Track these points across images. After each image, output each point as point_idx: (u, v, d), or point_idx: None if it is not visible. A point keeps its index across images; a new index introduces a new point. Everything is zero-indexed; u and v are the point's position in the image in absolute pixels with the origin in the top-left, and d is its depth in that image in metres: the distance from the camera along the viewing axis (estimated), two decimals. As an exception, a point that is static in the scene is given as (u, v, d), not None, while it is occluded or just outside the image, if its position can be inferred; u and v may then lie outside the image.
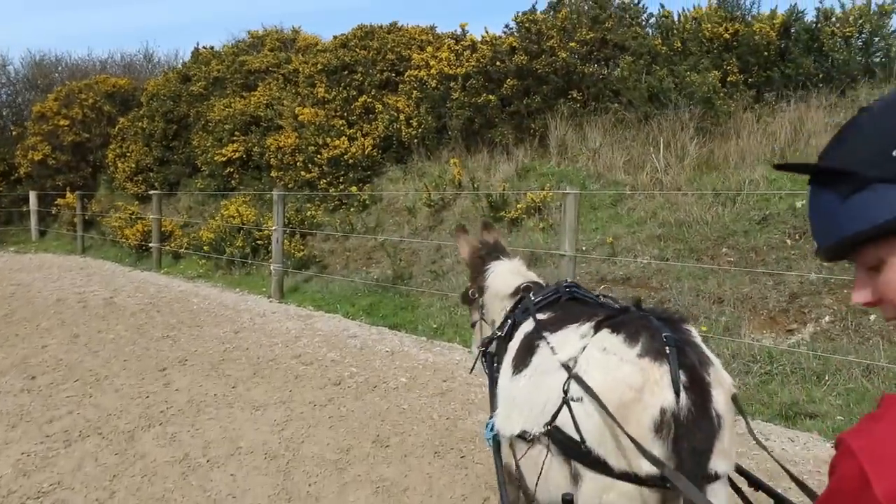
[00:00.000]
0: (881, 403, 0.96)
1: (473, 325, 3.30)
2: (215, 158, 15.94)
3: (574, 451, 1.93)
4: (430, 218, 11.05)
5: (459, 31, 14.29)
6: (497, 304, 2.99)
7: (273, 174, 14.80)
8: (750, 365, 5.46)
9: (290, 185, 14.29)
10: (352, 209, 12.66)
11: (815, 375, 5.12)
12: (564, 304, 2.58)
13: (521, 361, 2.31)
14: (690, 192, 7.95)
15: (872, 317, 5.42)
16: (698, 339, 2.02)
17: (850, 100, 8.37)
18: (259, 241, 12.36)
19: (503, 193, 9.94)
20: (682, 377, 1.81)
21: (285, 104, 15.36)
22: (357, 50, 15.01)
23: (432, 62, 13.55)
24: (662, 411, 1.79)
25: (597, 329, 2.04)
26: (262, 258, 12.27)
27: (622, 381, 1.85)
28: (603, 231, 8.30)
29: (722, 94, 9.08)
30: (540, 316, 2.45)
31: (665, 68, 10.13)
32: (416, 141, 13.00)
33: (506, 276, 3.05)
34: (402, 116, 13.18)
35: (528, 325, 2.48)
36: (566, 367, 2.01)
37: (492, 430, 2.45)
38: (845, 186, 0.96)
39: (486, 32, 13.15)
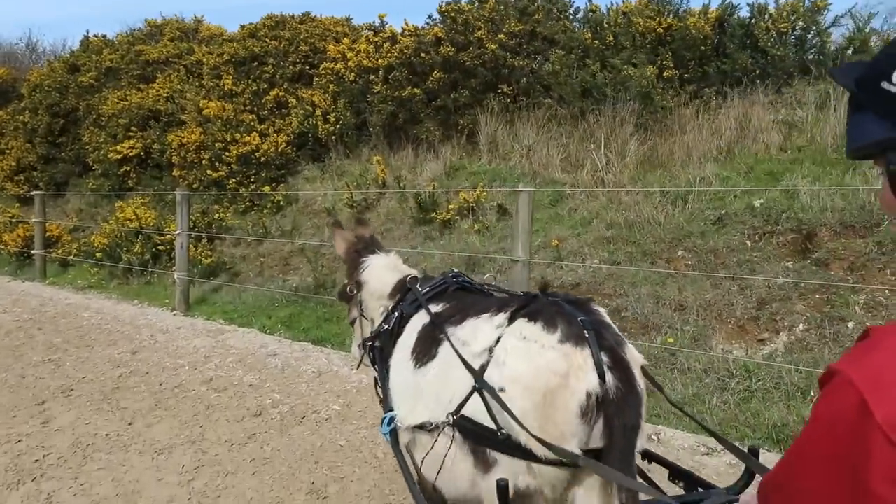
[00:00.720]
0: (870, 335, 0.98)
1: (352, 323, 3.18)
2: (109, 156, 14.45)
3: (490, 439, 1.92)
4: (353, 220, 10.15)
5: (378, 22, 13.49)
6: (375, 301, 2.92)
7: (175, 173, 13.51)
8: (726, 381, 4.92)
9: (194, 185, 13.05)
10: (265, 211, 11.60)
11: (798, 391, 4.63)
12: (455, 294, 2.57)
13: (425, 353, 2.27)
14: (636, 191, 7.45)
15: (850, 324, 5.00)
16: (609, 320, 2.07)
17: (788, 97, 8.10)
18: (160, 247, 11.12)
19: (433, 193, 9.19)
20: (605, 358, 1.85)
21: (188, 97, 14.08)
22: (267, 40, 13.91)
23: (349, 54, 12.66)
24: (588, 395, 1.81)
25: (512, 318, 2.02)
26: (165, 265, 11.04)
27: (547, 368, 1.84)
28: (545, 233, 7.69)
29: (659, 90, 8.65)
30: (434, 307, 2.43)
31: (597, 62, 9.65)
32: (333, 138, 12.07)
33: (383, 272, 2.97)
34: (318, 111, 12.22)
35: (423, 318, 2.44)
36: (485, 354, 1.99)
37: (389, 424, 2.37)
38: (856, 105, 1.08)
39: (407, 24, 12.41)
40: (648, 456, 2.26)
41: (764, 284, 5.55)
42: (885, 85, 1.00)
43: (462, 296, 2.57)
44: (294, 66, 13.56)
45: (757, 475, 1.85)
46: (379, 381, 2.71)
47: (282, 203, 11.58)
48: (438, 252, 8.17)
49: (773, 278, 5.55)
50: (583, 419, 1.82)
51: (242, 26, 15.15)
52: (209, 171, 12.43)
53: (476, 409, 1.96)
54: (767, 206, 6.20)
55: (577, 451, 1.81)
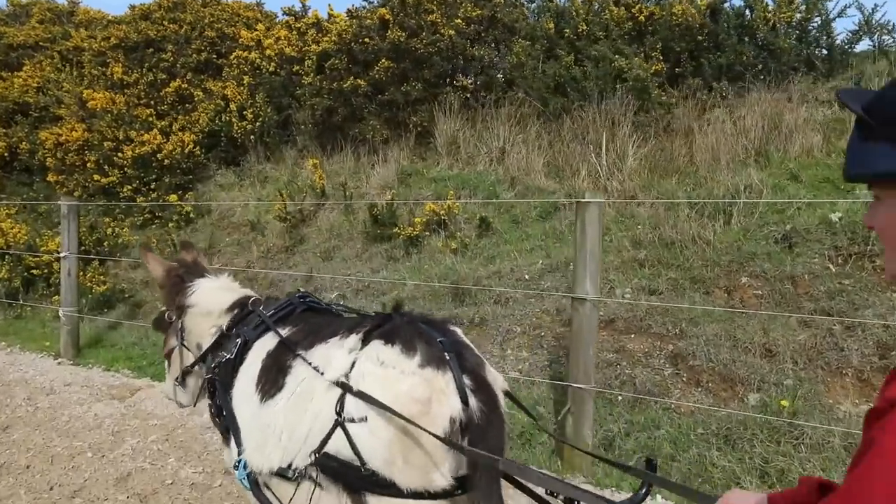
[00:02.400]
0: None
1: (168, 355, 2.78)
2: (-36, 157, 11.70)
3: (353, 476, 1.74)
4: (286, 236, 8.28)
5: (299, 6, 11.63)
6: (205, 323, 2.57)
7: (51, 178, 11.01)
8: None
9: (76, 193, 10.64)
10: (170, 224, 9.44)
11: None
12: (303, 316, 2.34)
13: (272, 384, 2.03)
14: (659, 201, 6.10)
15: None
16: (467, 340, 1.98)
17: (829, 89, 7.02)
18: (36, 271, 8.70)
19: (391, 204, 7.48)
20: (468, 381, 1.78)
21: (66, 88, 11.59)
22: (165, 23, 11.67)
23: (267, 41, 10.73)
24: (452, 420, 1.73)
25: (366, 340, 1.88)
26: (42, 295, 8.66)
27: (407, 395, 1.72)
28: (547, 253, 6.19)
29: (655, 84, 7.39)
30: (282, 331, 2.19)
31: (571, 54, 8.30)
32: (252, 137, 10.08)
33: (215, 292, 2.65)
34: (232, 106, 10.18)
35: (267, 343, 2.21)
36: (340, 384, 1.80)
37: (245, 467, 2.05)
38: (869, 133, 1.08)
39: (332, 10, 10.64)
40: (507, 479, 1.98)
41: (876, 321, 4.30)
42: None
43: (308, 318, 2.33)
44: (198, 55, 11.40)
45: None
46: (219, 416, 2.34)
47: (192, 215, 9.47)
48: (411, 279, 6.48)
49: (890, 315, 4.30)
50: (447, 447, 1.71)
51: (132, 7, 12.78)
52: (96, 177, 10.08)
53: (338, 446, 1.77)
54: (849, 220, 4.99)
55: (447, 483, 1.73)
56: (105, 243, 8.97)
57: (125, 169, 9.96)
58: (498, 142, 8.01)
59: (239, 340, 2.31)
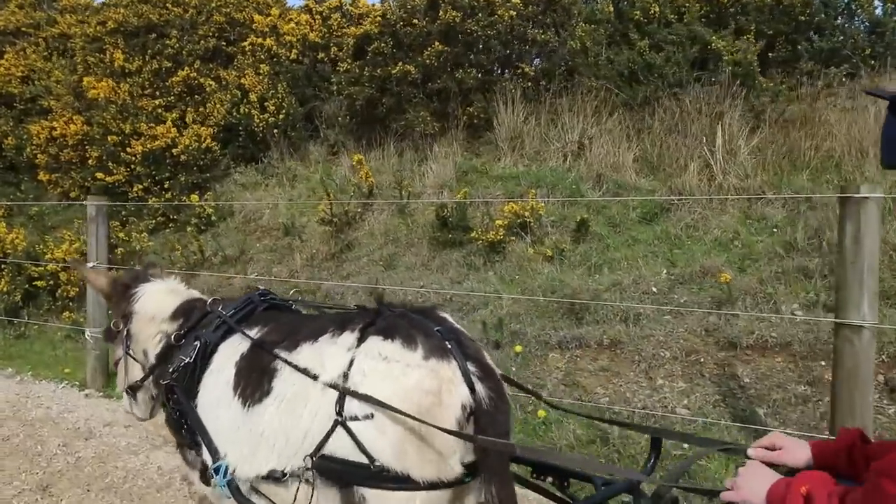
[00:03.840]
0: None
1: (116, 364, 2.66)
2: (-60, 153, 10.29)
3: (361, 475, 1.68)
4: (331, 241, 7.18)
5: (318, -11, 10.49)
6: (152, 328, 2.44)
7: (42, 177, 9.71)
8: None
9: (73, 194, 9.38)
10: (189, 228, 8.25)
11: None
12: (267, 315, 2.23)
13: (256, 389, 1.91)
14: (800, 197, 5.21)
15: None
16: (459, 326, 1.93)
17: None
18: (39, 283, 7.39)
19: (462, 205, 6.46)
20: (473, 368, 1.75)
21: (58, 76, 10.26)
22: (168, 6, 10.41)
23: (285, 27, 9.62)
24: (463, 408, 1.70)
25: (363, 337, 1.80)
26: (48, 310, 7.40)
27: (416, 388, 1.68)
28: (670, 261, 5.24)
29: (758, 69, 6.51)
30: (251, 333, 2.09)
31: (644, 38, 7.38)
32: (275, 131, 8.94)
33: (160, 295, 2.52)
34: (252, 97, 9.03)
35: (237, 345, 2.10)
36: (334, 386, 1.73)
37: (226, 474, 1.92)
38: None
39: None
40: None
41: None
42: None
43: (276, 316, 2.20)
44: (206, 41, 10.18)
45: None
46: (182, 424, 2.16)
47: (213, 218, 8.29)
48: (505, 291, 5.47)
49: None
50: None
51: (130, -11, 11.46)
52: (99, 175, 8.82)
53: (340, 446, 1.71)
54: None
55: (460, 470, 1.71)
56: (118, 250, 7.73)
57: (132, 166, 8.73)
58: (573, 134, 7.03)
59: (198, 343, 2.17)
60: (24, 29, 11.98)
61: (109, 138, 8.77)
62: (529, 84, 7.66)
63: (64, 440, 4.48)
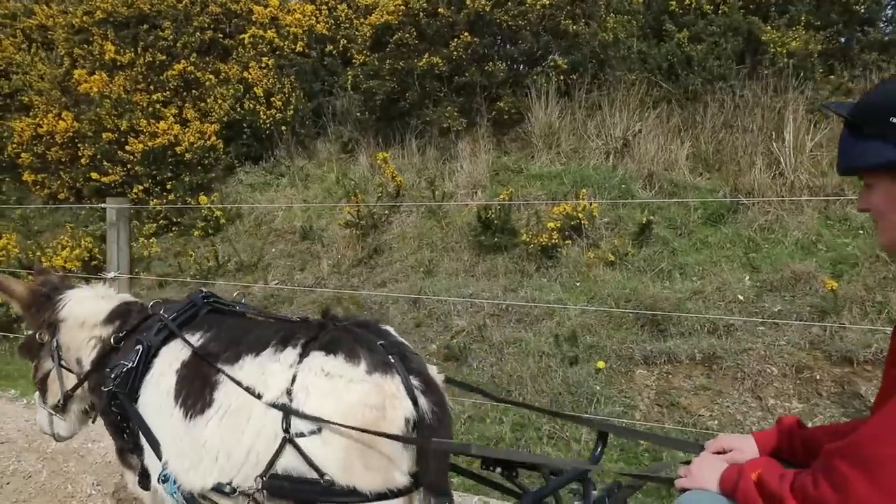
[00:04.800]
0: None
1: (43, 379, 2.48)
2: (-90, 152, 9.38)
3: (310, 490, 1.67)
4: (357, 246, 6.59)
5: (322, -22, 9.83)
6: (84, 334, 2.33)
7: (26, 177, 8.89)
8: None
9: (62, 195, 8.61)
10: (195, 232, 7.56)
11: None
12: (210, 319, 2.16)
13: (197, 399, 1.86)
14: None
15: None
16: (402, 339, 1.92)
17: None
18: (34, 295, 6.65)
19: (506, 206, 5.93)
20: (416, 382, 1.75)
21: (41, 68, 9.43)
22: (160, -5, 9.66)
23: (286, 18, 8.99)
24: (406, 421, 1.71)
25: (304, 353, 1.77)
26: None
27: (360, 403, 1.67)
28: (751, 266, 4.79)
29: (816, 61, 6.12)
30: (189, 338, 2.03)
31: (682, 30, 6.95)
32: (283, 128, 8.29)
33: (90, 301, 2.42)
34: (258, 91, 8.36)
35: (178, 351, 2.04)
36: (279, 406, 1.70)
37: (175, 482, 1.88)
38: (860, 133, 1.32)
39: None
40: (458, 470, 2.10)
41: None
42: (893, 119, 1.26)
43: (220, 321, 2.13)
44: (202, 33, 9.45)
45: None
46: (124, 428, 2.13)
47: (221, 221, 7.61)
48: (570, 300, 4.96)
49: None
50: (403, 446, 1.71)
51: (117, -23, 10.64)
52: (94, 175, 8.07)
53: (290, 463, 1.69)
54: None
55: (406, 480, 1.71)
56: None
57: (129, 166, 7.99)
58: (615, 131, 6.56)
59: (140, 348, 2.09)
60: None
61: (104, 135, 8.03)
62: (561, 78, 7.16)
63: (96, 477, 3.83)
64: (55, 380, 2.44)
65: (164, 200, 7.71)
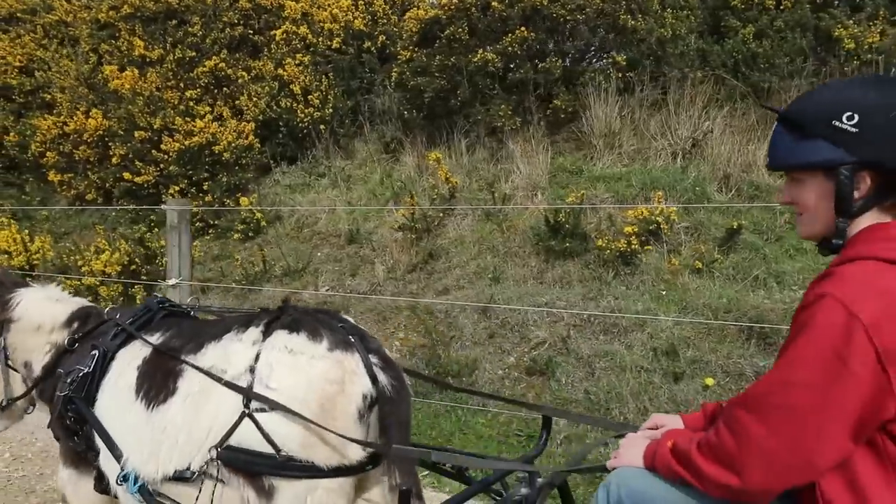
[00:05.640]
0: (833, 273, 1.34)
1: None
2: (-71, 151, 8.94)
3: (266, 464, 1.70)
4: (411, 251, 6.20)
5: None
6: (38, 339, 2.27)
7: (52, 177, 8.46)
8: None
9: (90, 196, 8.19)
10: (234, 235, 7.15)
11: None
12: (167, 321, 2.17)
13: (160, 390, 1.88)
14: None
15: None
16: (359, 326, 1.97)
17: None
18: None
19: (579, 208, 5.55)
20: (376, 360, 1.81)
21: (66, 64, 9.00)
22: (189, -10, 9.25)
23: (320, 14, 8.59)
24: (364, 397, 1.76)
25: (268, 332, 1.81)
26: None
27: (321, 378, 1.73)
28: None
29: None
30: (153, 339, 2.04)
31: (748, 26, 6.59)
32: (321, 127, 7.89)
33: (45, 303, 2.34)
34: (295, 88, 7.95)
35: (136, 352, 2.04)
36: (238, 385, 1.73)
37: (136, 481, 1.86)
38: (800, 132, 1.42)
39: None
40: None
41: None
42: (836, 122, 1.36)
43: (177, 322, 2.15)
44: (232, 29, 9.06)
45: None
46: (76, 433, 2.09)
47: (262, 223, 7.20)
48: (661, 311, 4.57)
49: None
50: (360, 421, 1.76)
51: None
52: (127, 175, 7.65)
53: (247, 436, 1.70)
54: None
55: (361, 457, 1.75)
56: (157, 260, 6.59)
57: (162, 166, 7.58)
58: (682, 130, 6.19)
59: (96, 353, 2.08)
60: (18, 15, 10.59)
61: (136, 134, 7.61)
62: (620, 75, 6.78)
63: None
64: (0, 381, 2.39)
65: (202, 202, 7.28)
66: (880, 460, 1.28)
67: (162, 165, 7.54)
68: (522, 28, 6.63)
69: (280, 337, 1.79)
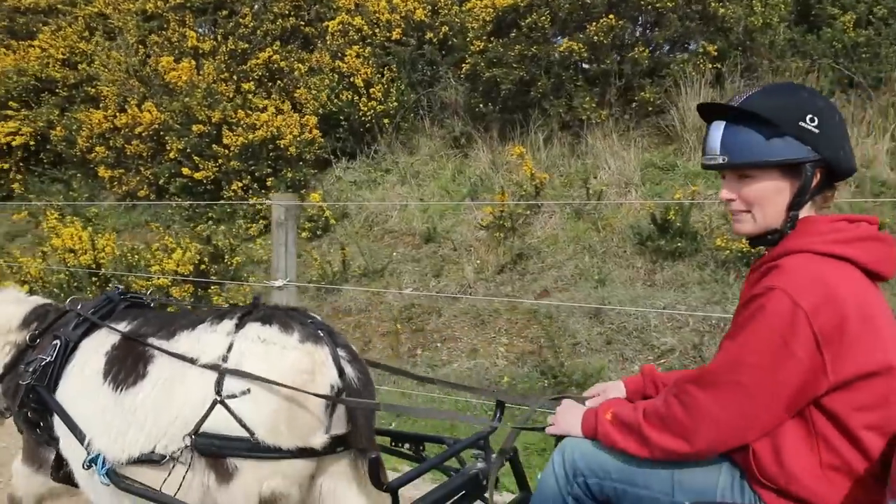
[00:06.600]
0: (779, 265, 1.45)
1: None
2: (-28, 146, 8.53)
3: (239, 447, 1.74)
4: (497, 250, 5.79)
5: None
6: None
7: (102, 173, 8.05)
8: None
9: (142, 192, 7.78)
10: (302, 233, 6.75)
11: None
12: (131, 311, 2.19)
13: (129, 374, 1.90)
14: None
15: None
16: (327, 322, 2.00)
17: None
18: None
19: (689, 204, 5.14)
20: (343, 353, 1.88)
21: (116, 56, 8.58)
22: (240, -20, 8.83)
23: (375, 5, 8.17)
24: (331, 387, 1.81)
25: (241, 324, 1.87)
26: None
27: (292, 368, 1.78)
28: None
29: None
30: (119, 327, 2.07)
31: (848, 13, 6.18)
32: (385, 121, 7.48)
33: (4, 305, 2.41)
34: (358, 81, 7.53)
35: (103, 339, 2.07)
36: (213, 367, 1.77)
37: (104, 464, 1.86)
38: (772, 130, 1.45)
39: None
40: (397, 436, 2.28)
41: None
42: (801, 123, 1.44)
43: (143, 313, 2.17)
44: (284, 20, 8.65)
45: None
46: (38, 423, 2.12)
47: (331, 221, 6.79)
48: None
49: None
50: (327, 410, 1.81)
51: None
52: (185, 171, 7.23)
53: (218, 422, 1.74)
54: None
55: (325, 440, 1.79)
56: (225, 260, 6.17)
57: (220, 161, 7.16)
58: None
59: (58, 342, 2.09)
60: (59, 6, 10.18)
61: (194, 128, 7.19)
62: (711, 66, 6.37)
63: None
64: None
65: (266, 197, 6.87)
66: (807, 428, 1.42)
67: (220, 160, 7.12)
68: (610, 16, 6.21)
69: (253, 328, 1.84)
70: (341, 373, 1.83)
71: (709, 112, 1.59)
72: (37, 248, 7.25)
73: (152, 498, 1.83)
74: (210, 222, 6.96)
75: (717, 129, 1.53)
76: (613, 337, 4.58)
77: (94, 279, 5.76)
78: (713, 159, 1.54)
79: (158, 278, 5.54)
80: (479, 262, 5.75)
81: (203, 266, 5.87)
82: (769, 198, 1.51)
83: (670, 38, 6.48)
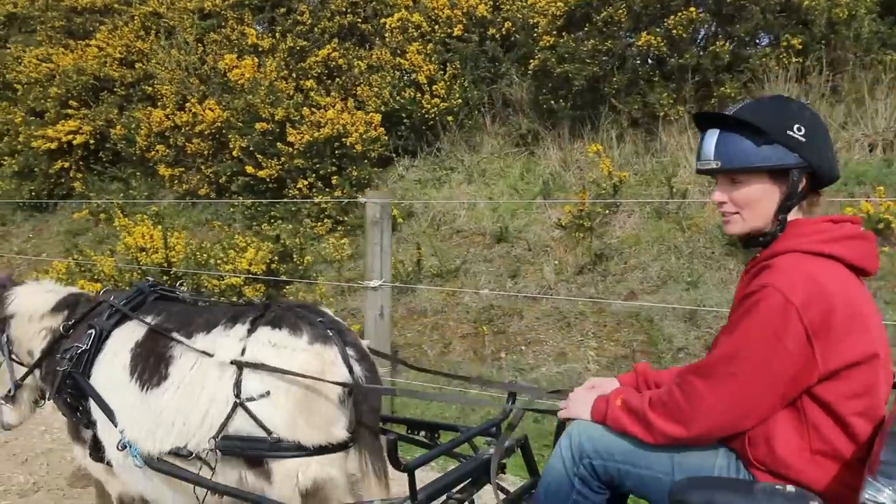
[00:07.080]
0: (770, 265, 1.54)
1: None
2: (33, 144, 8.52)
3: (259, 447, 1.86)
4: (576, 251, 5.58)
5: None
6: (33, 326, 2.44)
7: (163, 171, 7.99)
8: None
9: (203, 191, 7.70)
10: (359, 232, 6.59)
11: None
12: (158, 304, 2.31)
13: (153, 374, 2.04)
14: None
15: None
16: (338, 319, 2.13)
17: None
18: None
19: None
20: (352, 352, 1.98)
21: (176, 55, 8.52)
22: (297, -23, 8.72)
23: (434, 1, 7.99)
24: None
25: (252, 328, 1.97)
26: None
27: (302, 369, 1.85)
28: None
29: None
30: (146, 320, 2.19)
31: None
32: (449, 118, 7.30)
33: (36, 295, 2.52)
34: (421, 78, 7.37)
35: (131, 332, 2.19)
36: (236, 363, 1.89)
37: (135, 447, 2.03)
38: (762, 138, 1.55)
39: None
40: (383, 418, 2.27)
41: None
42: (789, 132, 1.54)
43: (169, 307, 2.28)
44: (342, 17, 8.52)
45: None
46: (78, 406, 2.23)
47: (398, 220, 6.63)
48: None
49: None
50: (341, 406, 1.92)
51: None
52: (249, 169, 7.13)
53: (241, 424, 1.87)
54: None
55: (344, 436, 1.92)
56: (294, 259, 6.04)
57: (284, 159, 7.04)
58: (876, 121, 5.49)
59: (92, 332, 2.21)
60: (112, 7, 10.17)
61: (257, 126, 7.09)
62: (794, 60, 6.09)
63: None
64: (5, 372, 2.50)
65: (332, 196, 6.74)
66: (798, 417, 1.50)
67: (283, 159, 7.00)
68: (691, 8, 5.96)
69: (264, 332, 1.94)
70: (350, 370, 1.93)
71: (704, 121, 1.68)
72: (98, 246, 7.21)
73: (184, 477, 1.93)
74: (275, 221, 6.84)
75: (712, 136, 1.62)
76: (711, 341, 4.34)
77: (165, 277, 5.66)
78: (707, 164, 1.64)
79: (230, 277, 5.41)
80: (557, 262, 5.55)
81: (273, 265, 5.74)
82: (758, 200, 1.60)
83: (751, 32, 6.20)
